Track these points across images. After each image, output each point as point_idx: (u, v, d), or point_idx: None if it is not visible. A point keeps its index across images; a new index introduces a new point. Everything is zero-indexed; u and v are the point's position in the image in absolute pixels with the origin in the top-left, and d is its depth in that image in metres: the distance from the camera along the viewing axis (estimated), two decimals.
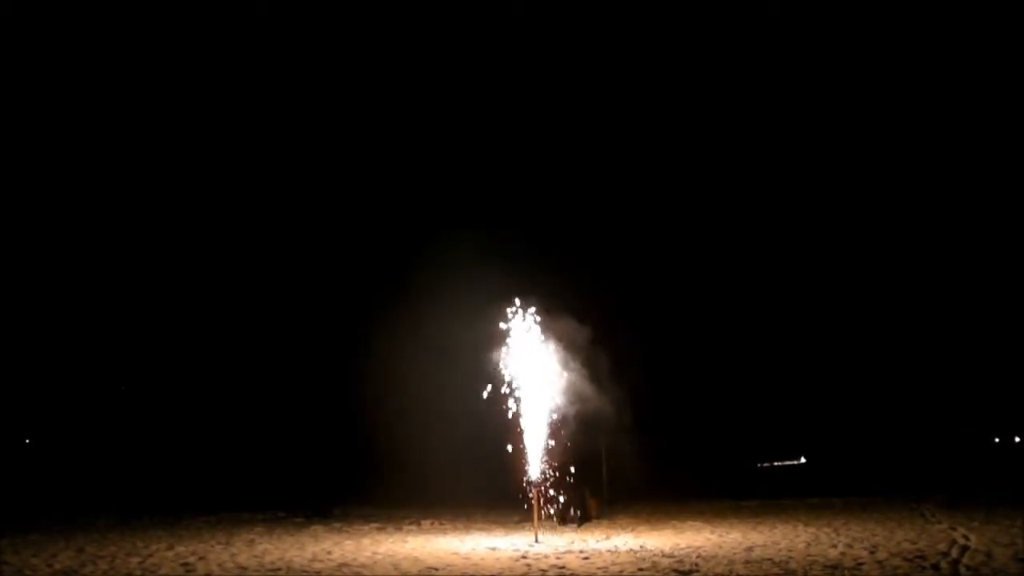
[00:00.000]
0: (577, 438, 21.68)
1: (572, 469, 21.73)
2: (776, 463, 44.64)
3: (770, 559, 15.29)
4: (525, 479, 19.79)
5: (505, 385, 19.40)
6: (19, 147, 37.59)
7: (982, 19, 36.63)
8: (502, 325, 19.43)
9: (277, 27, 37.95)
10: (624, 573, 14.57)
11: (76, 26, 36.93)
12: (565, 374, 19.59)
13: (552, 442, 19.70)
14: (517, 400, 19.41)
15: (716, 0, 38.75)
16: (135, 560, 16.92)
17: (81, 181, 39.55)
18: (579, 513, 22.91)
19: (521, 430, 19.43)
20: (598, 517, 23.46)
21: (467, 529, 22.27)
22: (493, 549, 18.04)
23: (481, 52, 39.54)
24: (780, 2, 36.07)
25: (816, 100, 41.14)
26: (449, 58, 39.97)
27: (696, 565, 14.95)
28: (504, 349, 19.41)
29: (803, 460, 45.07)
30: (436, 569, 15.37)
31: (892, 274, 42.11)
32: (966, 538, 17.17)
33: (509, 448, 19.71)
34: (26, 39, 36.17)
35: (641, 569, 14.87)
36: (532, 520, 19.86)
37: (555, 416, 19.61)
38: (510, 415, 19.42)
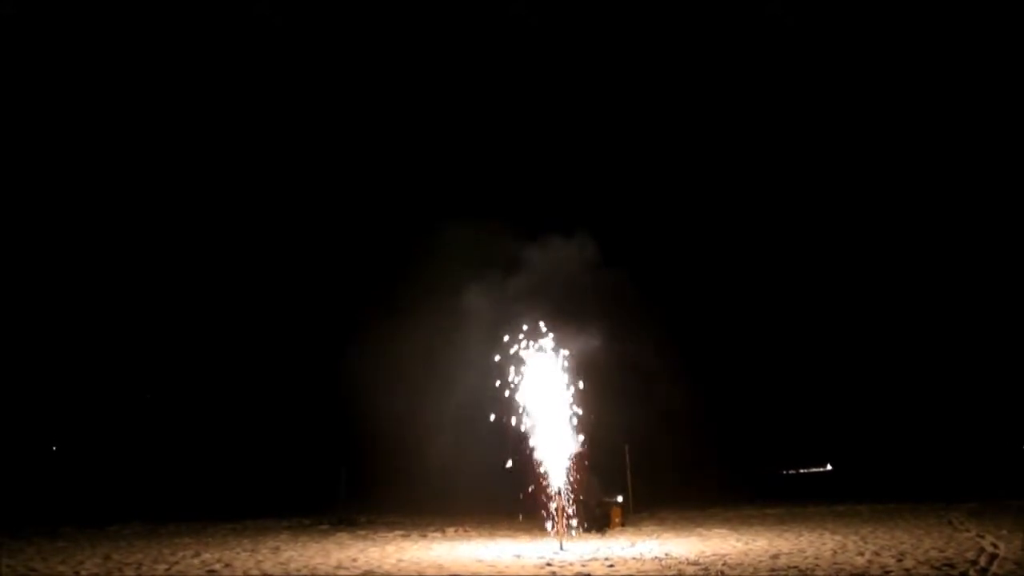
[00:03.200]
0: (598, 448, 21.61)
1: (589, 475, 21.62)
2: (802, 470, 44.41)
3: (796, 567, 15.20)
4: (546, 488, 19.56)
5: (517, 397, 19.14)
6: (25, 150, 37.74)
7: (982, 19, 36.55)
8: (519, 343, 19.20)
9: (277, 26, 38.04)
10: None
11: (77, 26, 37.11)
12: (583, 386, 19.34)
13: (573, 451, 19.47)
14: (528, 414, 19.15)
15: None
16: (162, 567, 16.99)
17: (83, 187, 39.72)
18: (602, 520, 22.88)
19: (528, 440, 19.19)
20: (622, 525, 23.37)
21: (492, 536, 22.26)
22: (518, 556, 18.01)
23: (493, 50, 39.60)
24: (780, 1, 36.07)
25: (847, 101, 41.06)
26: (458, 56, 40.07)
27: (722, 572, 14.87)
28: (520, 362, 19.20)
29: (829, 467, 44.82)
30: None
31: (921, 282, 41.89)
32: (995, 546, 17.01)
33: (514, 458, 19.45)
34: (28, 39, 36.37)
35: None
36: (556, 528, 19.73)
37: (574, 425, 19.36)
38: (522, 427, 19.18)
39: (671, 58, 40.44)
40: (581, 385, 19.18)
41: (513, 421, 19.00)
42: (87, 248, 40.00)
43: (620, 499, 24.21)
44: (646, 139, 41.74)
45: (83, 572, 16.49)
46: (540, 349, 19.07)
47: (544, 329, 19.13)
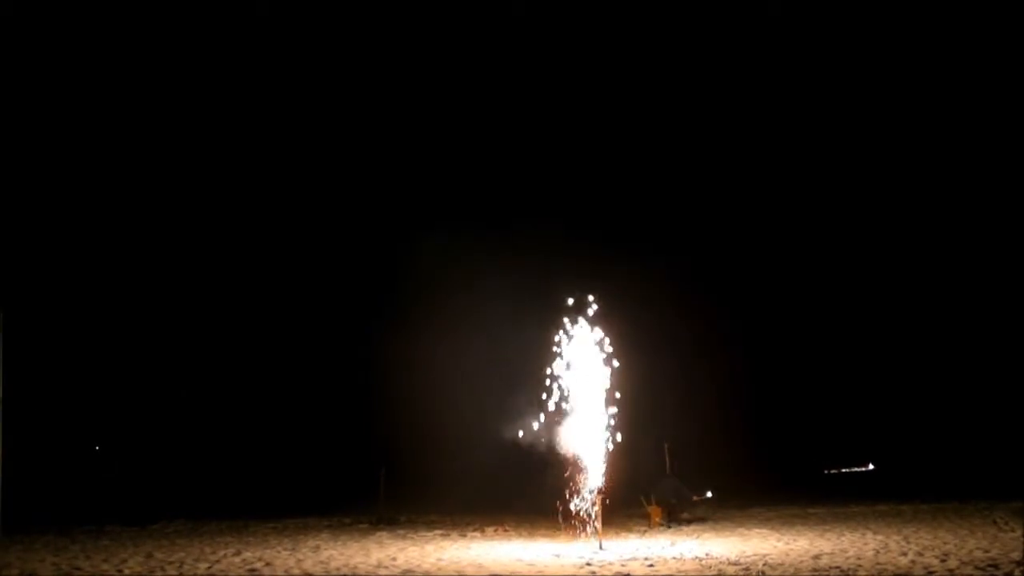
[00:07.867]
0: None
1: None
2: (844, 469, 44.10)
3: (838, 567, 15.07)
4: (585, 488, 19.35)
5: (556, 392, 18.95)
6: (27, 150, 37.91)
7: (982, 19, 36.17)
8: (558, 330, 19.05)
9: (277, 26, 38.05)
10: None
11: (77, 26, 37.24)
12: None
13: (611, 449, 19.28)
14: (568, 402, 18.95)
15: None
16: (203, 566, 17.12)
17: (88, 188, 39.90)
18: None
19: (556, 443, 19.05)
20: (663, 525, 23.28)
21: (531, 535, 22.25)
22: (557, 556, 17.99)
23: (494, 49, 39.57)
24: (780, 1, 35.86)
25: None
26: (458, 56, 40.05)
27: (763, 573, 14.78)
28: (558, 354, 19.01)
29: (871, 466, 44.47)
30: None
31: (961, 278, 41.46)
32: None
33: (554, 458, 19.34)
34: (26, 39, 36.46)
35: None
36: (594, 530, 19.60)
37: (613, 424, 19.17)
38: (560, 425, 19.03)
39: (671, 58, 40.31)
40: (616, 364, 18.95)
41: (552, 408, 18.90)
42: (119, 249, 40.34)
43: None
44: (648, 139, 41.66)
45: (126, 570, 16.65)
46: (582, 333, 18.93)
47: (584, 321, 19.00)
